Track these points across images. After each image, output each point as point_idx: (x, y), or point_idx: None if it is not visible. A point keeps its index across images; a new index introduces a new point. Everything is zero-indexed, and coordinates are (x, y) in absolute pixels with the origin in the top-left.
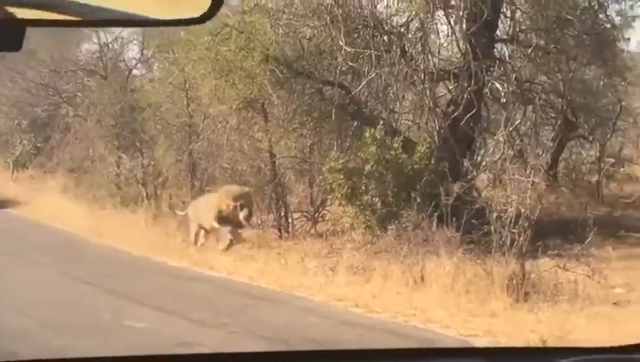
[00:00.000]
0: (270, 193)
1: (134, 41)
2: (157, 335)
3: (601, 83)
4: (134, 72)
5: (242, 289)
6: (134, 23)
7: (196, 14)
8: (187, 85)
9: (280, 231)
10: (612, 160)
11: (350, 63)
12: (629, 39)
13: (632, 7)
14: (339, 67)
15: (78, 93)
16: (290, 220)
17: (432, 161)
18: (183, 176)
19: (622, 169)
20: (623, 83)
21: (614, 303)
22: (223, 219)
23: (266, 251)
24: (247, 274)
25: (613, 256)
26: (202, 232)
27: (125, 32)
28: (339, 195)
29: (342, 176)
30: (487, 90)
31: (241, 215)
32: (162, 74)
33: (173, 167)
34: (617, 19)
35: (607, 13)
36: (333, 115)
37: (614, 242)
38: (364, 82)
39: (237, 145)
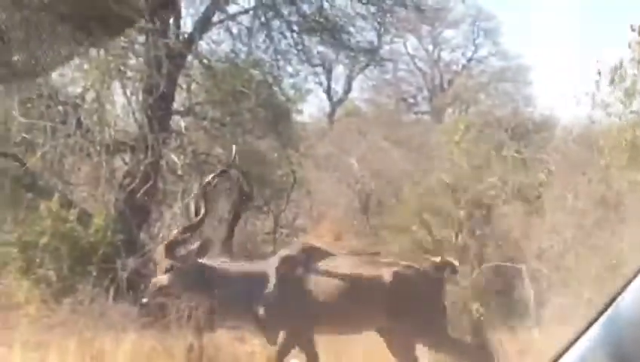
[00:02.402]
0: None
1: None
2: None
3: (276, 154)
4: None
5: None
6: None
7: None
8: None
9: None
10: (286, 230)
11: (24, 135)
12: (301, 111)
13: (306, 79)
14: (12, 138)
15: None
16: None
17: (109, 234)
18: None
19: (296, 239)
20: (296, 154)
21: None
22: None
23: None
24: None
25: None
26: None
27: None
28: (13, 269)
29: (16, 250)
30: (163, 162)
31: None
32: None
33: None
34: (292, 92)
35: (282, 87)
36: (7, 188)
37: None
38: (39, 154)
39: None
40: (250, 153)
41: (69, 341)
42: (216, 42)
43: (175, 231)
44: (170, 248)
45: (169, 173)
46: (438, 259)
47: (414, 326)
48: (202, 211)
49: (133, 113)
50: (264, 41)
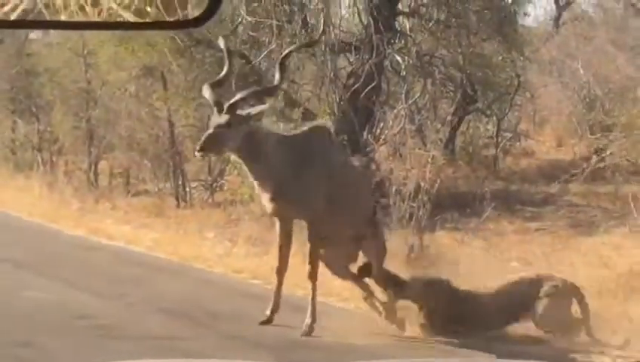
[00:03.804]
0: (168, 161)
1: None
2: (54, 306)
3: (500, 57)
4: (31, 35)
5: (140, 259)
6: (127, 27)
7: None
8: (85, 51)
9: (178, 200)
10: (509, 134)
11: (251, 33)
12: (526, 14)
13: None
14: (239, 36)
15: None
16: (187, 189)
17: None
18: (80, 143)
19: (518, 143)
20: (521, 58)
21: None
22: None
23: (163, 220)
24: (145, 244)
25: (509, 230)
26: None
27: None
28: (237, 166)
29: None
30: (387, 62)
31: None
32: (60, 39)
33: (70, 133)
34: None
35: None
36: (233, 85)
37: (510, 216)
38: (265, 52)
39: (135, 113)
40: (474, 55)
41: None
42: None
43: (244, 92)
44: (233, 106)
45: (393, 74)
46: None
47: None
48: (277, 79)
49: (359, 13)
50: None
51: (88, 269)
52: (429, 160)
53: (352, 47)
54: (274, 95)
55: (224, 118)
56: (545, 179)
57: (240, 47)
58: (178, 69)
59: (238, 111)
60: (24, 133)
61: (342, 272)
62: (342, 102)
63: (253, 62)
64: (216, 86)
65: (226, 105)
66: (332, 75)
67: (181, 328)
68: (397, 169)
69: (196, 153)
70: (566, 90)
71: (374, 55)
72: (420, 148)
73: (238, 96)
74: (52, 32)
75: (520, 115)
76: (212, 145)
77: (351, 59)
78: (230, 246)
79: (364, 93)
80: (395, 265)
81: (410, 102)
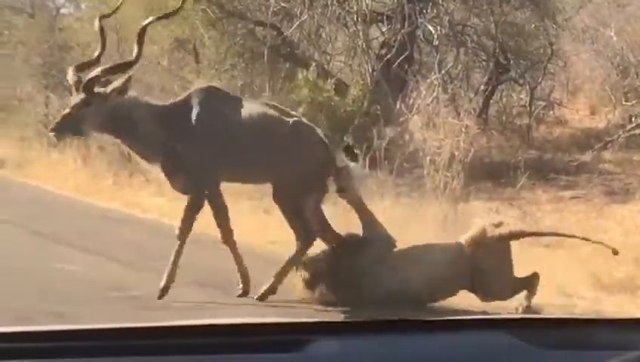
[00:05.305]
0: None
1: None
2: (88, 278)
3: (533, 26)
4: (62, 10)
5: (174, 231)
6: None
7: None
8: (117, 25)
9: None
10: (542, 103)
11: (282, 4)
12: None
13: None
14: (271, 8)
15: (5, 32)
16: None
17: (365, 104)
18: None
19: (551, 112)
20: (554, 26)
21: (545, 246)
22: None
23: None
24: (179, 217)
25: (543, 199)
26: None
27: None
28: None
29: None
30: (420, 32)
31: None
32: (92, 13)
33: None
34: None
35: None
36: (265, 57)
37: (544, 185)
38: (297, 23)
39: (168, 86)
40: (506, 24)
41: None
42: None
43: (99, 69)
44: (90, 84)
45: (425, 44)
46: None
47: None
48: (135, 52)
49: None
50: None
51: (122, 242)
52: (463, 129)
53: (384, 17)
54: (132, 68)
55: (80, 97)
56: (579, 148)
57: (271, 19)
58: (210, 42)
59: (97, 89)
60: (57, 108)
61: None
62: (374, 73)
63: (285, 34)
64: (81, 69)
65: (81, 85)
66: (364, 45)
67: (215, 299)
68: (430, 139)
69: (50, 133)
70: (599, 58)
71: (406, 25)
72: (453, 118)
73: (92, 73)
74: (84, 6)
75: (553, 84)
76: (68, 125)
77: (383, 30)
78: (265, 217)
79: (396, 63)
80: (430, 235)
81: (442, 71)
